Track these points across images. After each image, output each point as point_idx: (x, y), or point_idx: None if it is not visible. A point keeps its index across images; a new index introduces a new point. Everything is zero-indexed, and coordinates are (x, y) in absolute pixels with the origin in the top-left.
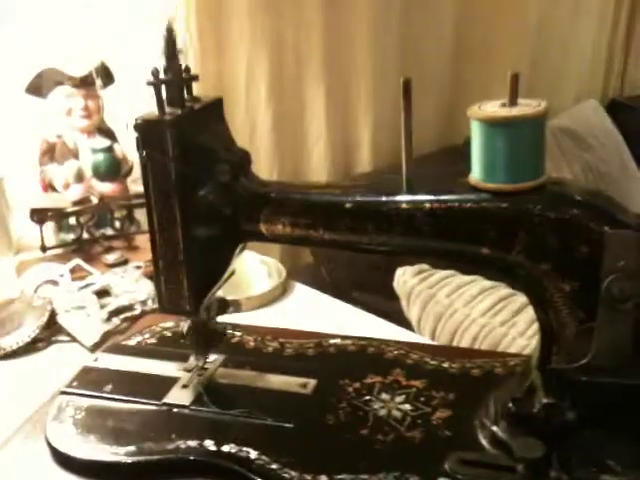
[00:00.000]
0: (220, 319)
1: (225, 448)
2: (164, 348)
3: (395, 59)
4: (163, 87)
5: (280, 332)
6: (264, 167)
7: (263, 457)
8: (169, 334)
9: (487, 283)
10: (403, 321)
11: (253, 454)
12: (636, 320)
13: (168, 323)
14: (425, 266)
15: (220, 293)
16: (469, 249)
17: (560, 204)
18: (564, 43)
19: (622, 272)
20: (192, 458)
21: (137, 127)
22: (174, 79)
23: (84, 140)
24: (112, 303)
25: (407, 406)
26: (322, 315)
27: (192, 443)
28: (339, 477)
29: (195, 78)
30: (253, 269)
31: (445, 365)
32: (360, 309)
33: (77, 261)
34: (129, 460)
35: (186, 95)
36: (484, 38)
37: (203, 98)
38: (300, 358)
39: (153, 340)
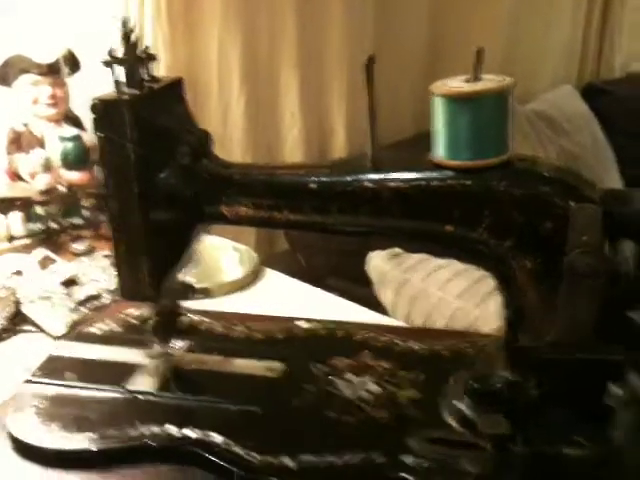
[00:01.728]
0: (189, 305)
1: (190, 434)
2: (129, 335)
3: (371, 44)
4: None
5: (249, 317)
6: (237, 154)
7: (228, 442)
8: (134, 321)
9: (461, 266)
10: (380, 307)
11: (218, 439)
12: (598, 295)
13: (134, 310)
14: (398, 250)
15: (191, 279)
16: (434, 227)
17: (525, 180)
18: (540, 27)
19: (585, 247)
20: (155, 444)
21: (94, 108)
22: (131, 58)
23: (51, 129)
24: (79, 292)
25: (374, 387)
26: (294, 301)
27: (156, 429)
28: (304, 459)
29: (153, 57)
30: (225, 256)
31: (414, 346)
32: (335, 295)
33: (44, 251)
34: (92, 448)
35: (146, 76)
36: (460, 23)
37: (163, 79)
38: (268, 342)
39: (118, 327)
